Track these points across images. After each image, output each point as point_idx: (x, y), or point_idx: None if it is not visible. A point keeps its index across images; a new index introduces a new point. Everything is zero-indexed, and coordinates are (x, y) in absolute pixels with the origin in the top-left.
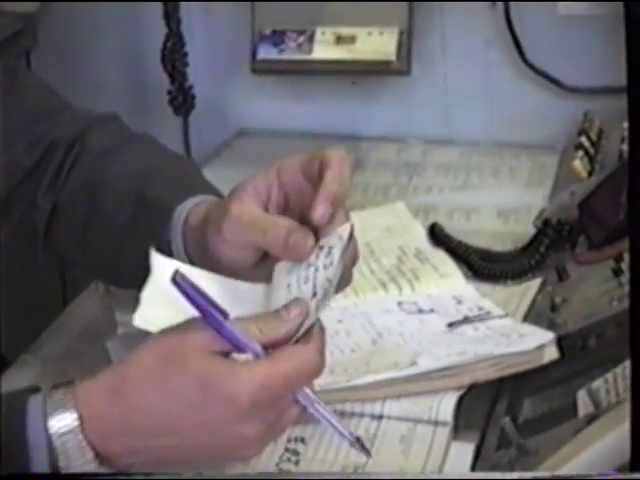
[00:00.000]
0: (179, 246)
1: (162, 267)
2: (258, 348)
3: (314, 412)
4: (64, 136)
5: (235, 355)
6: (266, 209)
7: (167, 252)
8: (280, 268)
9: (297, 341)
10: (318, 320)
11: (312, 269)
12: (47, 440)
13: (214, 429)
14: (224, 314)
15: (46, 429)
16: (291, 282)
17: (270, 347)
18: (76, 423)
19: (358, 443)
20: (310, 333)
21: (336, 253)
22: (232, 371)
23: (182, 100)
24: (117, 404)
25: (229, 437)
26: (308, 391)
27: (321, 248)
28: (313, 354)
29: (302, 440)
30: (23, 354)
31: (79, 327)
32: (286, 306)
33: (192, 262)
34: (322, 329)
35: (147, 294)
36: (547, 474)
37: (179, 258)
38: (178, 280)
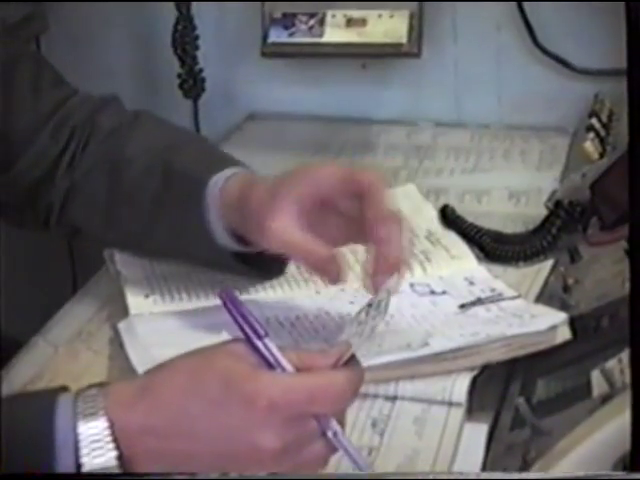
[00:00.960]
0: (217, 214)
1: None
2: (289, 367)
3: (334, 441)
4: (79, 120)
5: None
6: (303, 219)
7: (199, 222)
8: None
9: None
10: (357, 361)
11: (362, 327)
12: (74, 441)
13: (230, 434)
14: (265, 332)
15: (75, 431)
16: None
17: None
18: (107, 432)
19: None
20: (347, 364)
21: (383, 305)
22: (255, 373)
23: (192, 83)
24: (144, 398)
25: (244, 446)
26: (333, 421)
27: (370, 305)
28: (343, 380)
29: None
30: (33, 337)
31: (90, 310)
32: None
33: (231, 229)
34: (360, 368)
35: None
36: (549, 475)
37: (216, 226)
38: (222, 296)
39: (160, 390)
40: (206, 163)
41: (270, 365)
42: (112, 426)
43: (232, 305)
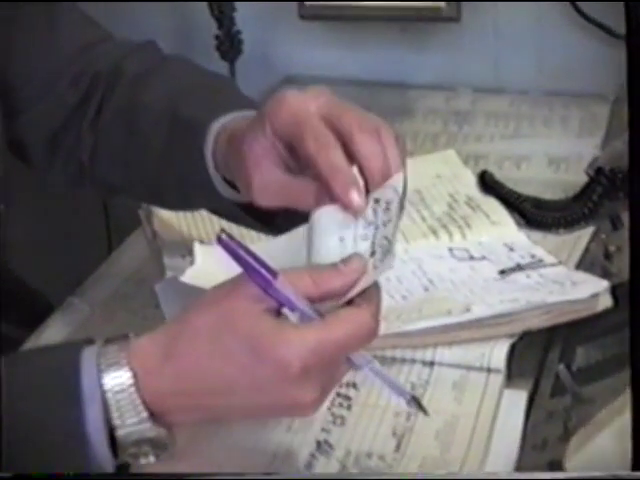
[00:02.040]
0: (210, 164)
1: (204, 253)
2: (310, 312)
3: (369, 372)
4: (104, 67)
5: (286, 311)
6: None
7: (201, 172)
8: (325, 217)
9: (351, 301)
10: (375, 281)
11: (372, 227)
12: (101, 395)
13: (268, 391)
14: (274, 273)
15: (100, 384)
16: (345, 236)
17: (322, 300)
18: (130, 381)
19: (415, 402)
20: (366, 294)
21: (393, 209)
22: (283, 336)
23: (229, 45)
24: (170, 364)
25: (283, 398)
26: (362, 352)
27: (377, 202)
28: (368, 318)
29: (354, 385)
30: (69, 297)
31: (126, 270)
32: (344, 259)
33: (225, 181)
34: (378, 290)
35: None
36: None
37: (215, 176)
38: (225, 240)
39: (185, 357)
40: (209, 109)
41: (288, 307)
42: (136, 378)
43: (236, 249)
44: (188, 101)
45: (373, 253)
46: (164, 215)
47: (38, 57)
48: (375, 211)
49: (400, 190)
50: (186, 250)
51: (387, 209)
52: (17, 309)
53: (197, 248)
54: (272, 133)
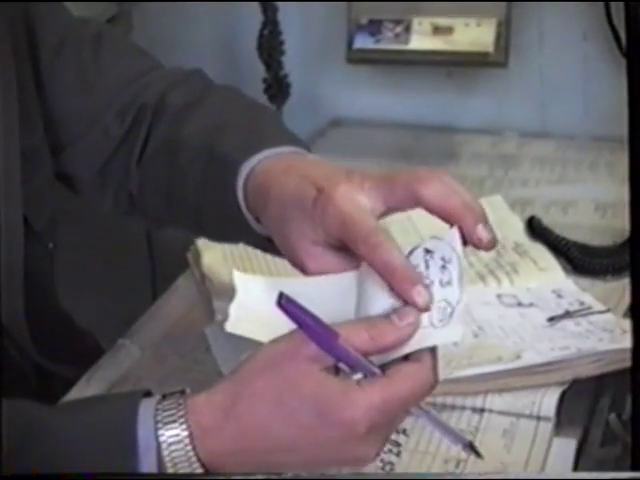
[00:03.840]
0: (242, 203)
1: (245, 285)
2: (373, 369)
3: (428, 420)
4: (151, 100)
5: (343, 366)
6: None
7: (234, 208)
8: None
9: (407, 356)
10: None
11: (426, 282)
12: (157, 446)
13: (332, 450)
14: (335, 334)
15: (157, 436)
16: None
17: (378, 354)
18: (187, 440)
19: (471, 448)
20: (424, 350)
21: (453, 270)
22: (349, 397)
23: (277, 89)
24: (230, 425)
25: (347, 455)
26: (424, 407)
27: (429, 253)
28: (428, 373)
29: (404, 432)
30: (120, 339)
31: (176, 313)
32: (398, 312)
33: (257, 220)
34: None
35: (234, 311)
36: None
37: (246, 213)
38: (284, 304)
39: (246, 417)
40: (242, 147)
41: (350, 366)
42: (192, 435)
43: (297, 312)
44: (224, 138)
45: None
46: (212, 258)
47: (84, 91)
48: (427, 263)
49: (459, 249)
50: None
51: (443, 267)
52: (66, 348)
53: (237, 278)
54: (323, 234)
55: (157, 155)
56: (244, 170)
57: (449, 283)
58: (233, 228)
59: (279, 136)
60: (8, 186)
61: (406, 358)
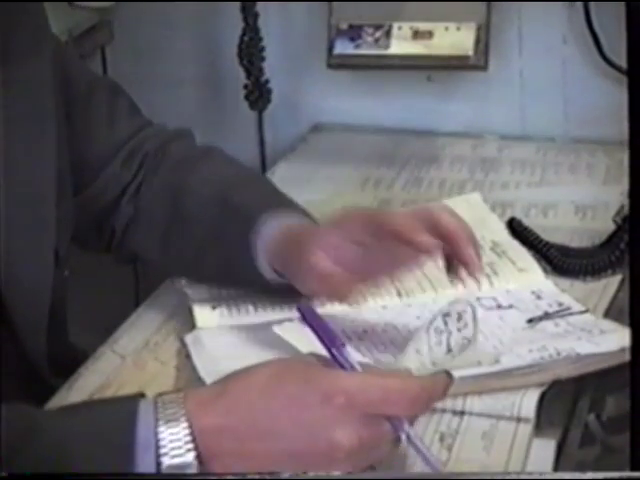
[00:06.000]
0: (263, 254)
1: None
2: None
3: (407, 442)
4: (151, 148)
5: None
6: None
7: (246, 256)
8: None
9: None
10: (448, 372)
11: (445, 335)
12: (156, 443)
13: (308, 430)
14: (342, 343)
15: (156, 436)
16: (420, 348)
17: None
18: (187, 432)
19: None
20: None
21: (468, 317)
22: (332, 372)
23: (258, 94)
24: (223, 398)
25: (322, 443)
26: (406, 423)
27: (447, 315)
28: (417, 387)
29: None
30: (101, 347)
31: (157, 321)
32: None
33: (275, 271)
34: (447, 381)
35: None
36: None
37: (262, 263)
38: (303, 308)
39: (237, 391)
40: (261, 203)
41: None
42: (191, 427)
43: (311, 316)
44: (239, 189)
45: (449, 351)
46: None
47: (98, 140)
48: (446, 323)
49: (473, 300)
50: (216, 301)
51: (460, 318)
52: (59, 360)
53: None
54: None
55: (158, 199)
56: (266, 222)
57: (466, 325)
58: (239, 271)
59: (286, 199)
60: (43, 211)
61: None
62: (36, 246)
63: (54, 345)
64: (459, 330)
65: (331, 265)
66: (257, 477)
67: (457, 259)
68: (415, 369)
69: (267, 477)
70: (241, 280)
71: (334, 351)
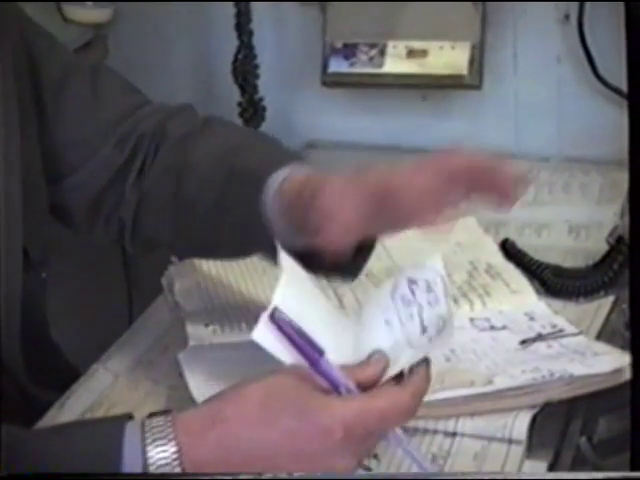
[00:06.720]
0: (277, 213)
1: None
2: (352, 385)
3: (403, 451)
4: (147, 129)
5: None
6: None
7: (259, 221)
8: (370, 304)
9: (399, 378)
10: (427, 358)
11: (415, 307)
12: (143, 466)
13: (308, 460)
14: (320, 352)
15: (144, 456)
16: (390, 319)
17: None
18: (175, 456)
19: None
20: (413, 374)
21: (439, 290)
22: (328, 403)
23: (252, 112)
24: (215, 428)
25: (322, 464)
26: (399, 431)
27: (414, 282)
28: (407, 397)
29: (375, 456)
30: (93, 364)
31: (149, 338)
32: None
33: (284, 228)
34: (425, 369)
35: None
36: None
37: (277, 224)
38: (277, 319)
39: (231, 421)
40: (265, 164)
41: (332, 383)
42: (180, 451)
43: (286, 326)
44: (241, 158)
45: (424, 330)
46: (185, 284)
47: (84, 124)
48: (413, 291)
49: (442, 271)
50: (209, 319)
51: (429, 289)
52: (57, 376)
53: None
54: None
55: (161, 180)
56: (274, 180)
57: (437, 302)
58: (251, 238)
59: (288, 152)
60: (10, 215)
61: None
62: (1, 246)
63: (32, 349)
64: (430, 305)
65: (339, 202)
66: (250, 477)
67: (490, 188)
68: (389, 348)
69: (261, 477)
70: (256, 250)
71: (315, 367)
